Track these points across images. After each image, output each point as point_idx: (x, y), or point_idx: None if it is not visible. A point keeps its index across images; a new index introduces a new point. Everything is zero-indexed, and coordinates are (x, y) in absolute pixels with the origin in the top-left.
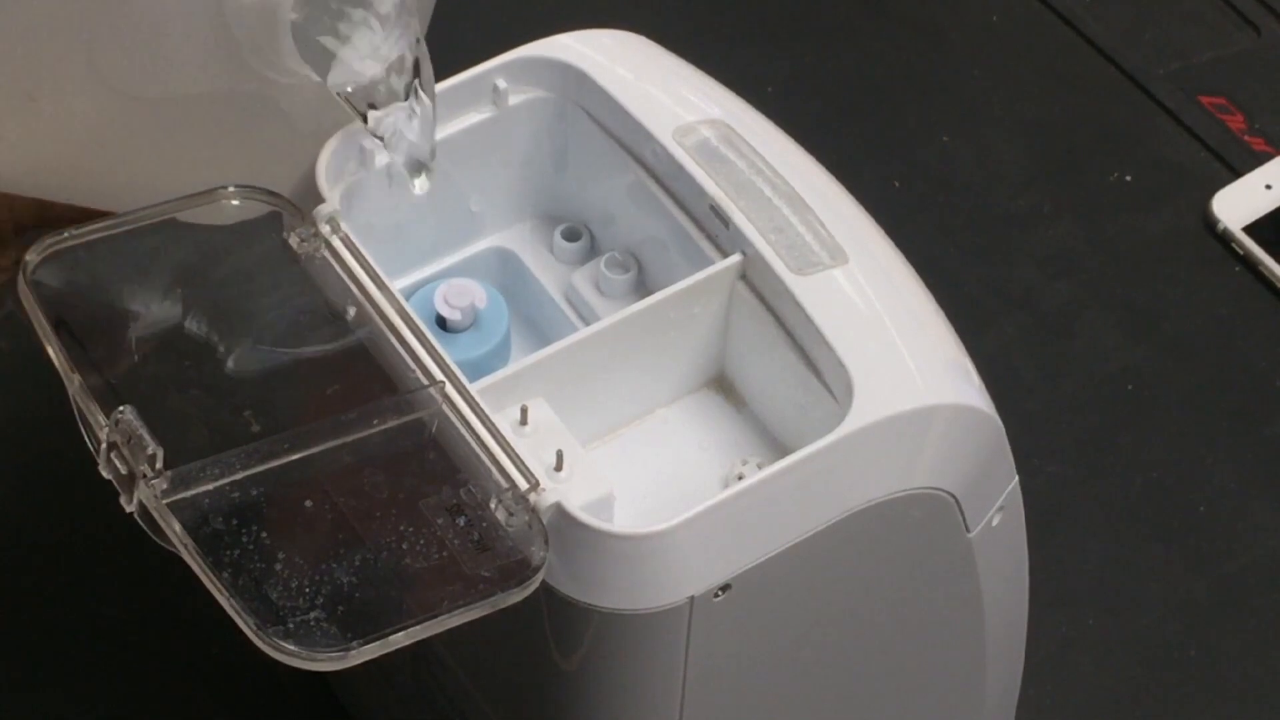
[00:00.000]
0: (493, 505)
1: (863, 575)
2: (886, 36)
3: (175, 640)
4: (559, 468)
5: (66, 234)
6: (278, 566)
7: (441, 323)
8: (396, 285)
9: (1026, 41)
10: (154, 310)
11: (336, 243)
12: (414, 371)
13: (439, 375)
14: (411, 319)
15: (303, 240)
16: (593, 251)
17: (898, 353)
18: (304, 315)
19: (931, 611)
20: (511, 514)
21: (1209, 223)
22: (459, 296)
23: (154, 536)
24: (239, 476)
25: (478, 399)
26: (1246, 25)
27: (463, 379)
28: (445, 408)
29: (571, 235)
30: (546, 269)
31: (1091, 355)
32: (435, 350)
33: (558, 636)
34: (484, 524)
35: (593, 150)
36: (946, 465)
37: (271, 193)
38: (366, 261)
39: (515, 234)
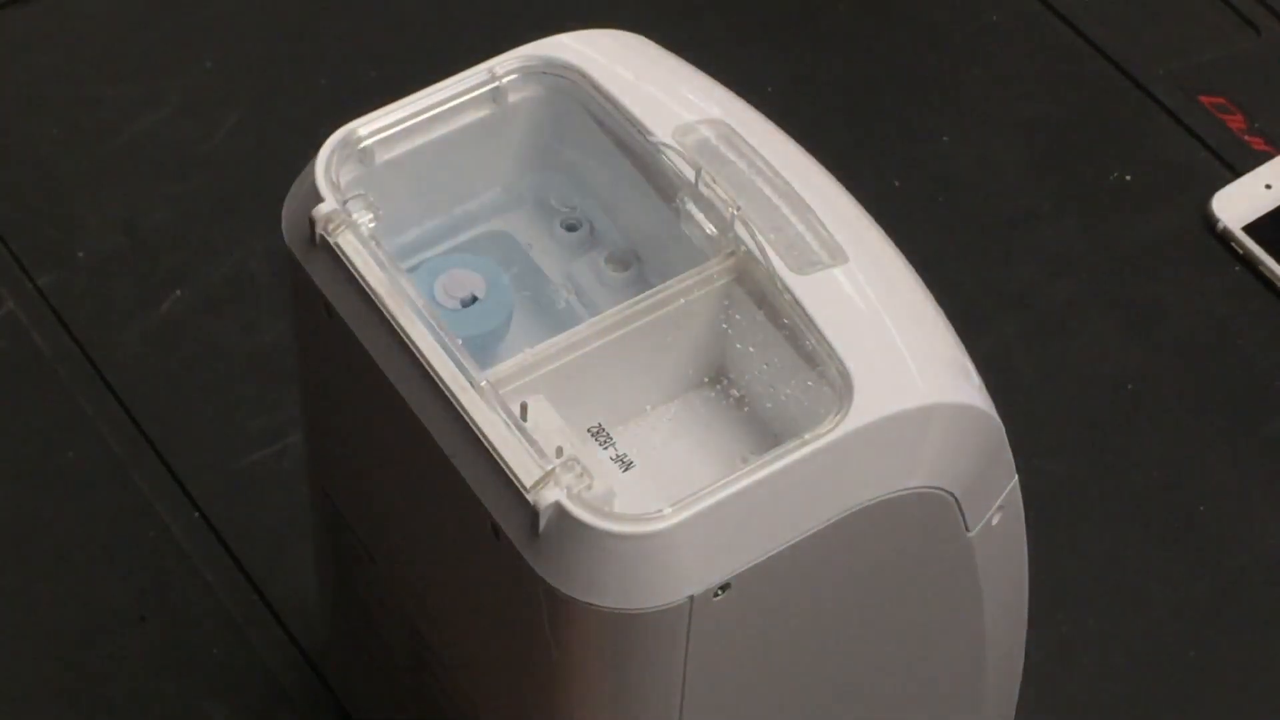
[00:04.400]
0: None
1: (862, 575)
2: (886, 36)
3: (175, 640)
4: (558, 466)
5: None
6: None
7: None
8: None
9: (1026, 41)
10: None
11: (336, 243)
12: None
13: (443, 373)
14: (412, 320)
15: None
16: (593, 241)
17: (897, 352)
18: None
19: (931, 611)
20: None
21: (1209, 222)
22: (458, 287)
23: None
24: None
25: (478, 396)
26: (1246, 25)
27: (465, 378)
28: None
29: (571, 226)
30: (547, 254)
31: (1091, 355)
32: (437, 351)
33: (557, 636)
34: None
35: (592, 149)
36: (946, 464)
37: None
38: (367, 262)
39: (516, 220)
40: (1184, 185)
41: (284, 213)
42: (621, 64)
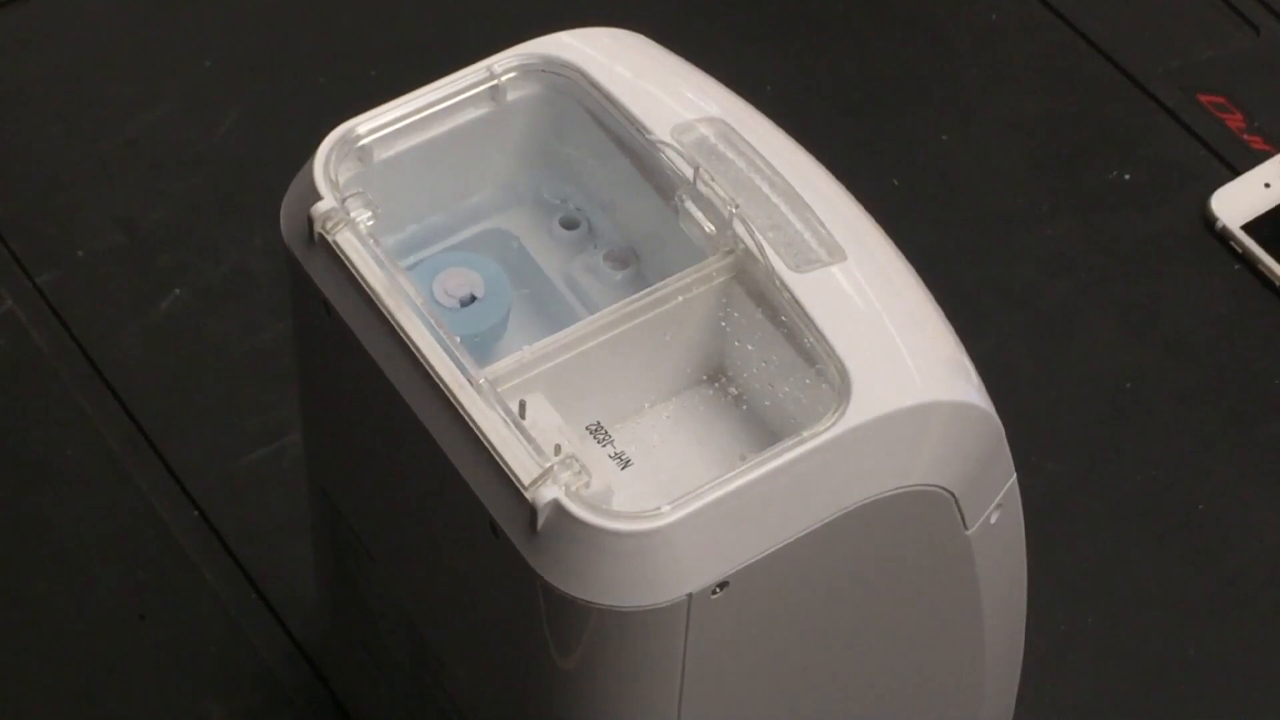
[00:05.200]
0: None
1: (861, 573)
2: (886, 36)
3: (174, 639)
4: (557, 464)
5: None
6: None
7: None
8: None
9: (1026, 41)
10: None
11: (335, 241)
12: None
13: (441, 372)
14: (411, 319)
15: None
16: (591, 239)
17: (896, 350)
18: None
19: (930, 609)
20: None
21: (1208, 221)
22: (456, 286)
23: None
24: None
25: (476, 394)
26: (1246, 25)
27: (463, 376)
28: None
29: (570, 224)
30: (545, 252)
31: (1090, 354)
32: (435, 349)
33: (556, 634)
34: None
35: (591, 148)
36: (945, 463)
37: None
38: (365, 261)
39: (514, 218)
40: (1183, 184)
41: (282, 211)
42: (620, 62)
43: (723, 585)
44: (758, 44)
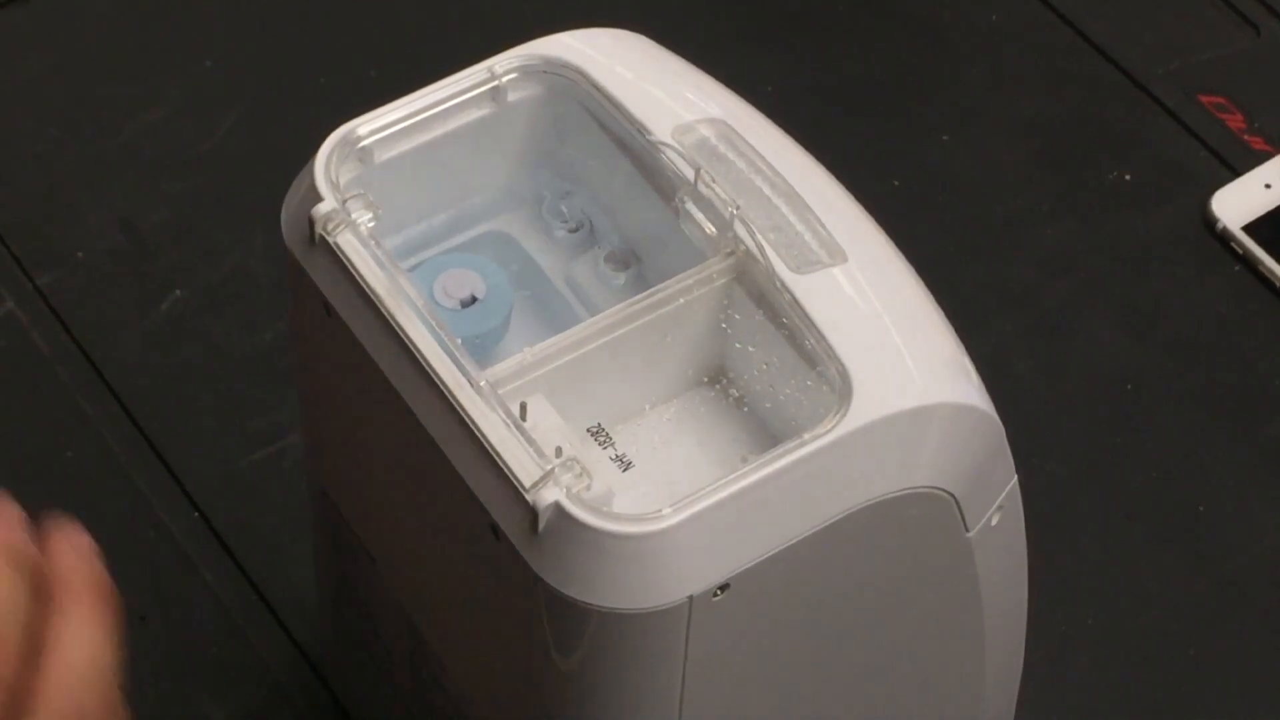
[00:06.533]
0: None
1: (861, 574)
2: (886, 36)
3: (174, 640)
4: (558, 466)
5: None
6: None
7: None
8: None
9: (1026, 41)
10: None
11: (336, 243)
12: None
13: (442, 373)
14: (412, 320)
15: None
16: (592, 240)
17: (897, 351)
18: None
19: (930, 611)
20: None
21: (1208, 222)
22: (457, 287)
23: None
24: None
25: (477, 396)
26: (1246, 25)
27: (464, 378)
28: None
29: (570, 225)
30: (546, 253)
31: (1091, 355)
32: (436, 351)
33: (556, 636)
34: None
35: (592, 148)
36: (945, 464)
37: None
38: (366, 262)
39: (515, 219)
40: (1184, 185)
41: (283, 212)
42: (621, 63)
43: (724, 587)
44: (758, 44)
